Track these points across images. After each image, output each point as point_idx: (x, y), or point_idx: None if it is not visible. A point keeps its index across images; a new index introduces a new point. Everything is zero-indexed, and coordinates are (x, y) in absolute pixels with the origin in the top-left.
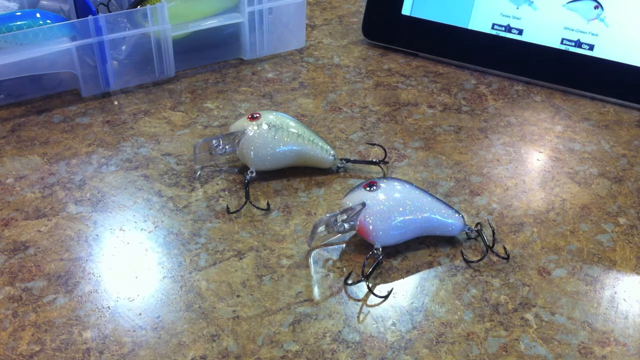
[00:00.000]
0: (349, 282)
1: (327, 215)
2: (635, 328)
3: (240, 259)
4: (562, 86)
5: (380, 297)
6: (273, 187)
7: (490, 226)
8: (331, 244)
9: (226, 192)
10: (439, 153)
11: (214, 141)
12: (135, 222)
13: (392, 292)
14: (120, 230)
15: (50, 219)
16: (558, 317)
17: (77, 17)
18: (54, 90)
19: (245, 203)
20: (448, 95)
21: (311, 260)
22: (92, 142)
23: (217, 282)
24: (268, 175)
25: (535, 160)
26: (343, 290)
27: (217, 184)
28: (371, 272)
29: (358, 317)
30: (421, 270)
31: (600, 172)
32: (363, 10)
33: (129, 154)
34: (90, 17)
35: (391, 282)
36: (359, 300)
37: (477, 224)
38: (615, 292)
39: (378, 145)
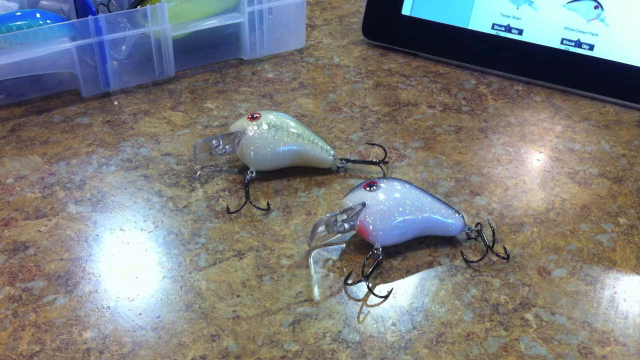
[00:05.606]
0: (349, 282)
1: (327, 215)
2: (635, 328)
3: (240, 259)
4: (562, 86)
5: (380, 297)
6: (273, 187)
7: (490, 226)
8: (331, 244)
9: (226, 192)
10: (439, 153)
11: (214, 141)
12: (135, 222)
13: (392, 292)
14: (120, 230)
15: (50, 219)
16: (558, 317)
17: (77, 17)
18: (54, 90)
19: (245, 203)
20: (448, 95)
21: (311, 260)
22: (92, 142)
23: (217, 282)
24: (268, 175)
25: (535, 160)
26: (343, 290)
27: (217, 184)
28: (371, 272)
29: (358, 317)
30: (421, 270)
31: (600, 172)
32: (363, 10)
33: (129, 154)
34: (90, 17)
35: (391, 282)
36: (359, 300)
37: (477, 224)
38: (615, 292)
39: (378, 145)
